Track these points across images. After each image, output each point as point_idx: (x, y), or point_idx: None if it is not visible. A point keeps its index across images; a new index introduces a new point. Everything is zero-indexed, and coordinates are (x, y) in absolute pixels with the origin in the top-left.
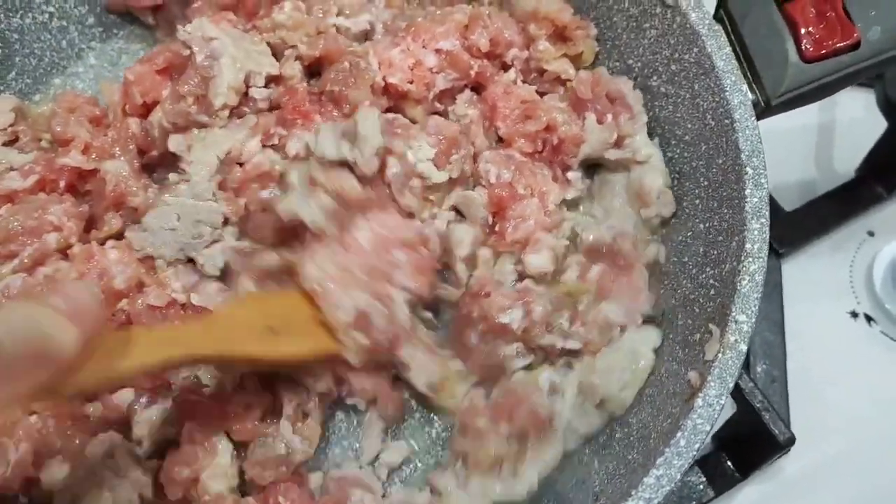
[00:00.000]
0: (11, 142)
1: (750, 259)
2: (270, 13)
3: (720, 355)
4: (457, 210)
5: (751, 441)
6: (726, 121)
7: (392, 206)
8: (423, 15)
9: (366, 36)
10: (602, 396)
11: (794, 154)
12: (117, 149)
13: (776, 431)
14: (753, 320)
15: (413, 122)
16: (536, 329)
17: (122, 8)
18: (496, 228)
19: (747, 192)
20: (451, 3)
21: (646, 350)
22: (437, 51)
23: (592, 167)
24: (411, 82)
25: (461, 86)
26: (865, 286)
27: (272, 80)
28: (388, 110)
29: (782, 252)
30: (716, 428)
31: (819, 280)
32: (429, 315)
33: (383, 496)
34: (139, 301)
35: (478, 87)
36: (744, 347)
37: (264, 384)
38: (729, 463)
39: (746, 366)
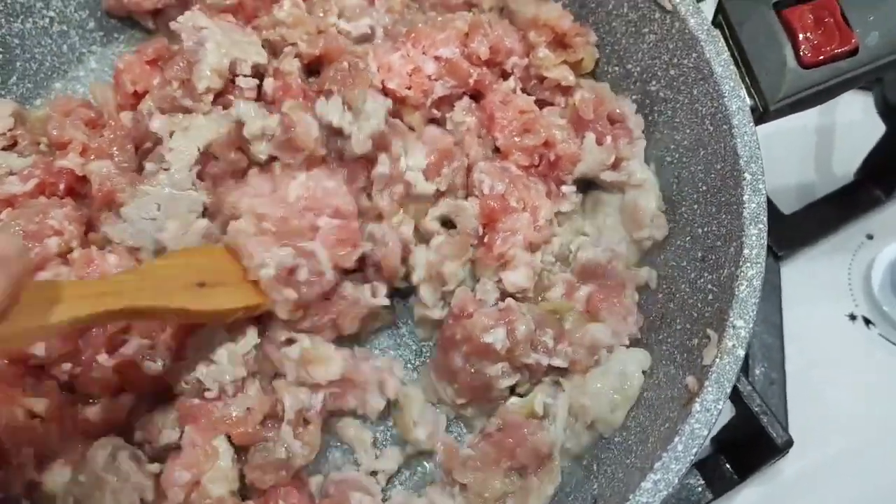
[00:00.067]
0: (10, 146)
1: (748, 264)
2: (270, 12)
3: (718, 360)
4: (443, 222)
5: (749, 444)
6: (725, 126)
7: (336, 171)
8: (424, 20)
9: (366, 40)
10: (593, 418)
11: (793, 157)
12: (115, 148)
13: (774, 434)
14: (751, 326)
15: (410, 128)
16: (521, 348)
17: (123, 12)
18: (485, 240)
19: (745, 197)
20: (451, 10)
21: (635, 371)
22: (437, 58)
23: (586, 184)
24: (409, 88)
25: (459, 93)
26: (864, 289)
27: (271, 75)
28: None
29: (781, 255)
30: (714, 431)
31: (818, 283)
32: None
33: (383, 500)
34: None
35: (476, 95)
36: (741, 353)
37: (265, 388)
38: (727, 465)
39: (745, 368)
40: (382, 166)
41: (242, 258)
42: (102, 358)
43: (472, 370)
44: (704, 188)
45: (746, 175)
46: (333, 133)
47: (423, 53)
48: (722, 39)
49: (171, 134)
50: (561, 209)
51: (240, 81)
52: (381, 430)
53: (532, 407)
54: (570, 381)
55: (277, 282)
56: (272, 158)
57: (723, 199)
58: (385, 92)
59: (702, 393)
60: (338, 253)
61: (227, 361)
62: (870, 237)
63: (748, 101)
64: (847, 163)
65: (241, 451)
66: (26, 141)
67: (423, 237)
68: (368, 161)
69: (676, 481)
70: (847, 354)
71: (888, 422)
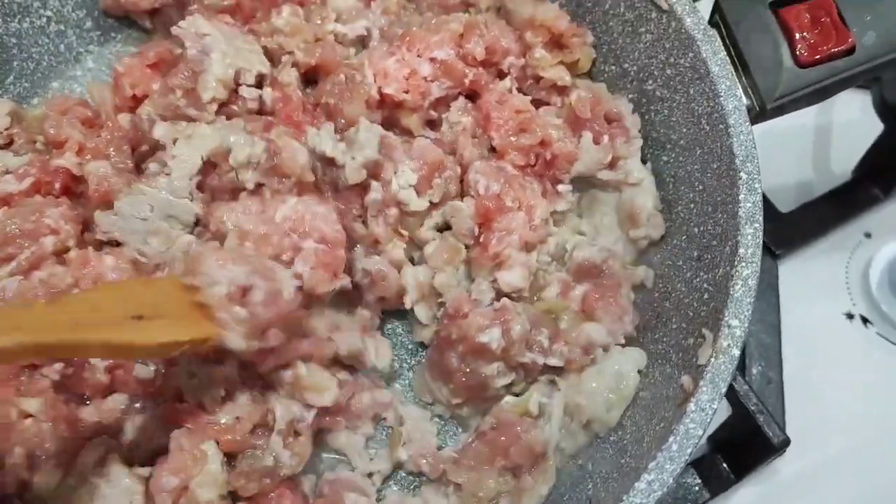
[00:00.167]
0: (6, 145)
1: (743, 264)
2: (268, 18)
3: (713, 360)
4: (438, 229)
5: (746, 443)
6: (721, 126)
7: (328, 200)
8: (419, 22)
9: (362, 42)
10: (588, 417)
11: (791, 155)
12: (112, 149)
13: (770, 434)
14: (746, 325)
15: (407, 130)
16: (516, 347)
17: (120, 12)
18: (480, 240)
19: (741, 197)
20: (448, 10)
21: (631, 371)
22: (432, 60)
23: (582, 183)
24: (407, 92)
25: (455, 94)
26: (862, 288)
27: (269, 84)
28: (382, 121)
29: (778, 253)
30: (711, 430)
31: (815, 282)
32: None
33: (378, 500)
34: None
35: (472, 95)
36: (736, 352)
37: (257, 398)
38: (724, 464)
39: (742, 367)
40: (375, 192)
41: (195, 277)
42: (95, 359)
43: (468, 370)
44: (701, 187)
45: (742, 174)
46: (327, 163)
47: (419, 56)
48: (718, 39)
49: (175, 141)
50: (557, 208)
51: (243, 91)
52: (376, 430)
53: (527, 406)
54: (566, 381)
55: (229, 300)
56: (261, 185)
57: (719, 198)
58: (382, 98)
59: (697, 393)
60: (317, 276)
61: (206, 377)
62: (868, 236)
63: (744, 100)
64: (845, 161)
65: (229, 456)
66: (22, 139)
67: (416, 246)
68: (362, 188)
69: (671, 481)
70: (845, 354)
71: (886, 421)
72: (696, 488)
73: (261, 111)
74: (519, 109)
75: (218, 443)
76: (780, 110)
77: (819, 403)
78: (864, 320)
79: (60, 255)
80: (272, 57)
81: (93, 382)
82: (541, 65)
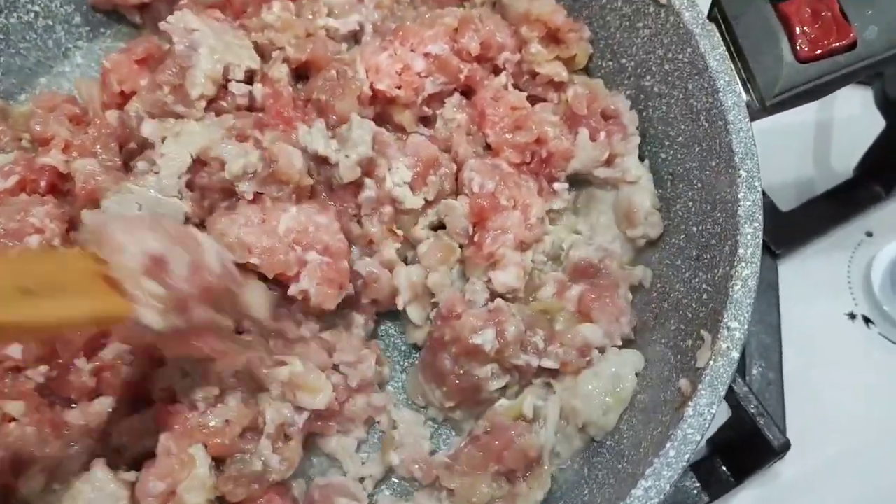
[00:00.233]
0: None
1: (743, 264)
2: (259, 12)
3: (712, 363)
4: (432, 227)
5: (746, 446)
6: (720, 122)
7: (330, 208)
8: (413, 16)
9: (355, 37)
10: (584, 421)
11: (791, 153)
12: (99, 147)
13: (771, 437)
14: (746, 327)
15: (401, 127)
16: (510, 349)
17: (109, 6)
18: (475, 239)
19: (741, 195)
20: (441, 5)
21: (628, 373)
22: (426, 55)
23: (579, 181)
24: (399, 87)
25: (450, 90)
26: (863, 287)
27: (260, 81)
28: (375, 118)
29: (779, 253)
30: (710, 432)
31: (816, 281)
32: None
33: None
34: None
35: (467, 92)
36: (736, 355)
37: (247, 400)
38: (724, 468)
39: (742, 369)
40: (369, 190)
41: (102, 248)
42: (80, 362)
43: (461, 372)
44: (699, 185)
45: (741, 172)
46: (320, 162)
47: (412, 51)
48: (717, 33)
49: (163, 139)
50: (553, 207)
51: (232, 87)
52: (369, 433)
53: (520, 409)
54: (562, 383)
55: (142, 273)
56: (259, 193)
57: (718, 196)
58: (374, 93)
59: (695, 396)
60: (323, 293)
61: (199, 377)
62: (869, 234)
63: (744, 96)
64: (846, 158)
65: (217, 460)
66: (8, 137)
67: (410, 245)
68: (357, 186)
69: (668, 488)
70: (846, 354)
71: (888, 423)
72: (695, 492)
73: (251, 107)
74: (514, 106)
75: (206, 446)
76: (780, 106)
77: (820, 405)
78: (867, 320)
79: None
80: (262, 52)
81: (78, 385)
82: (537, 60)
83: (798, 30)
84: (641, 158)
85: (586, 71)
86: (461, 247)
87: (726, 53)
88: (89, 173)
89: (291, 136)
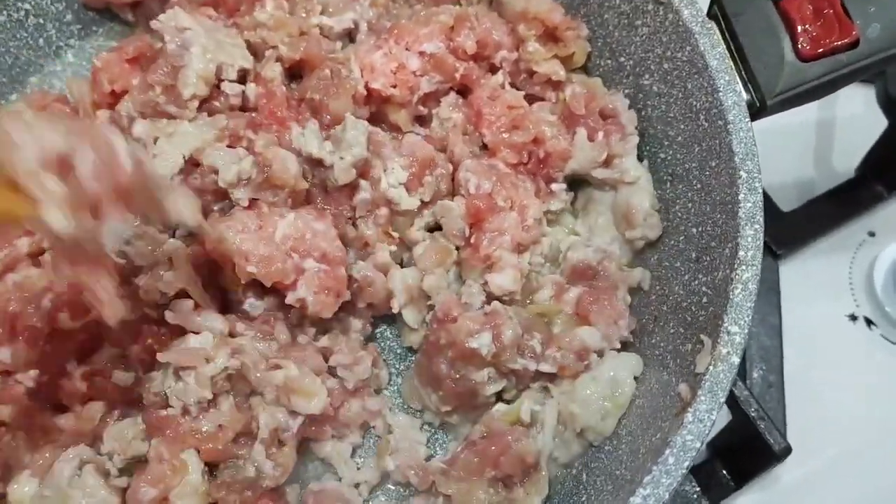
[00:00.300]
0: None
1: (743, 267)
2: (252, 11)
3: (711, 368)
4: (428, 229)
5: (746, 450)
6: (720, 122)
7: (326, 215)
8: (409, 14)
9: (349, 35)
10: (582, 426)
11: (792, 152)
12: None
13: (772, 441)
14: (746, 332)
15: (396, 127)
16: (507, 353)
17: (101, 4)
18: (471, 241)
19: (741, 196)
20: (437, 3)
21: (627, 377)
22: (421, 53)
23: (577, 182)
24: (394, 86)
25: (446, 89)
26: (865, 288)
27: (253, 80)
28: (370, 117)
29: (780, 253)
30: (710, 436)
31: (818, 282)
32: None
33: None
34: None
35: (463, 91)
36: (736, 360)
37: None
38: (724, 471)
39: (742, 371)
40: (364, 192)
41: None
42: (71, 366)
43: (457, 376)
44: (699, 186)
45: (742, 173)
46: (314, 164)
47: (407, 49)
48: (717, 32)
49: (155, 140)
50: (550, 208)
51: (225, 87)
52: (364, 438)
53: (518, 414)
54: (559, 388)
55: (43, 171)
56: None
57: (717, 197)
58: (369, 93)
59: (695, 402)
60: (321, 301)
61: (193, 381)
62: (871, 235)
63: (744, 95)
64: (848, 158)
65: (209, 466)
66: None
67: (406, 247)
68: (352, 188)
69: (667, 496)
70: (848, 356)
71: (890, 425)
72: (695, 496)
73: (244, 107)
74: (511, 105)
75: (199, 452)
76: (782, 106)
77: (821, 407)
78: (868, 322)
79: (35, 257)
80: (255, 51)
81: (69, 390)
82: (534, 59)
83: (799, 28)
84: (640, 159)
85: (584, 69)
86: (457, 248)
87: (726, 52)
88: None
89: (285, 137)
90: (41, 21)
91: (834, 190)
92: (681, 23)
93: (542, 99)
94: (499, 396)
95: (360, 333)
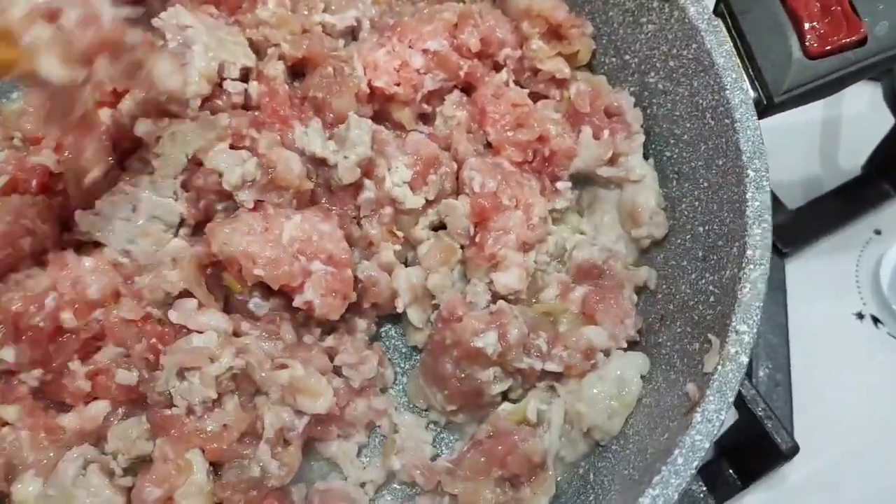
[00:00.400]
0: None
1: (751, 266)
2: (254, 8)
3: (720, 367)
4: (433, 228)
5: (753, 449)
6: (726, 120)
7: (332, 216)
8: (412, 12)
9: (352, 33)
10: (589, 425)
11: (798, 150)
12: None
13: (779, 440)
14: (755, 331)
15: (399, 125)
16: (513, 352)
17: None
18: (476, 239)
19: (748, 195)
20: (440, 0)
21: (633, 376)
22: (425, 51)
23: (582, 180)
24: (398, 84)
25: (450, 87)
26: (872, 286)
27: (255, 79)
28: (373, 115)
29: (786, 251)
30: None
31: (824, 280)
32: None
33: None
34: (113, 312)
35: (467, 89)
36: (745, 360)
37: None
38: (730, 471)
39: (748, 370)
40: (368, 191)
41: None
42: (75, 365)
43: (463, 375)
44: (706, 184)
45: (749, 171)
46: (317, 163)
47: (410, 47)
48: (724, 29)
49: (158, 139)
50: (556, 206)
51: (227, 86)
52: (370, 437)
53: (524, 413)
54: (566, 387)
55: (31, 19)
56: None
57: (724, 196)
58: (373, 91)
59: (703, 402)
60: (328, 304)
61: (198, 381)
62: (878, 233)
63: (751, 93)
64: (854, 156)
65: (214, 466)
66: None
67: (411, 246)
68: (356, 187)
69: (676, 497)
70: (854, 354)
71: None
72: (701, 495)
73: (246, 106)
74: (516, 103)
75: (203, 451)
76: (789, 104)
77: (827, 406)
78: (875, 320)
79: (38, 256)
80: (258, 49)
81: (73, 389)
82: (538, 56)
83: (807, 25)
84: (646, 157)
85: (589, 67)
86: (462, 247)
87: (733, 50)
88: None
89: (288, 136)
90: None
91: (840, 188)
92: (687, 20)
93: (547, 97)
94: (505, 396)
95: (366, 333)
